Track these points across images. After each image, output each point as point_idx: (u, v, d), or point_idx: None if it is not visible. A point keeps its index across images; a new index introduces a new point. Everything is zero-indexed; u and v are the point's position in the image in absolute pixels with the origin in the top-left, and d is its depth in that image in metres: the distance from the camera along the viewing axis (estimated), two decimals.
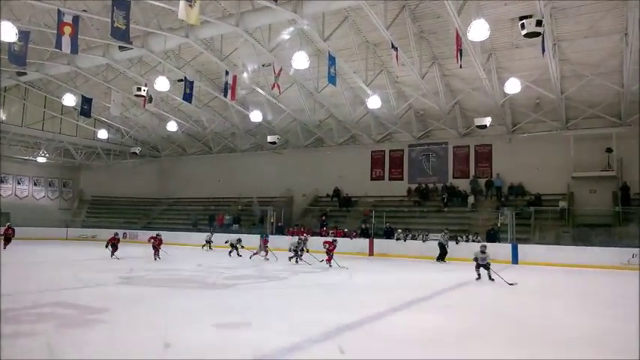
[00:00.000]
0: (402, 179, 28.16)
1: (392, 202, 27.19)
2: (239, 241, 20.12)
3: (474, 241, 21.00)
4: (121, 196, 36.18)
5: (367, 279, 13.53)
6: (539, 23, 13.98)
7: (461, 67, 16.61)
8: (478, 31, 14.17)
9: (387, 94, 22.68)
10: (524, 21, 14.22)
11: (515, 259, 19.44)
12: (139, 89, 22.67)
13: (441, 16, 16.74)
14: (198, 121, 30.09)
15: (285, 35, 18.16)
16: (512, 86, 18.88)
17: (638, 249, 17.57)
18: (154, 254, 17.12)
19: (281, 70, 20.24)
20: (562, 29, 17.22)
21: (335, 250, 16.68)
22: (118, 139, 34.45)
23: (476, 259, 12.95)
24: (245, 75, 21.24)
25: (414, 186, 27.44)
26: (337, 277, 13.45)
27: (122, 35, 15.01)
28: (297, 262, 16.83)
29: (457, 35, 15.57)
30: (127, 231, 29.39)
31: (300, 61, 17.38)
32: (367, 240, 23.14)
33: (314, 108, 25.88)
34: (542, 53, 16.00)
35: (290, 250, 17.28)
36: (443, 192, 26.23)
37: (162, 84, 20.40)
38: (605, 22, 16.25)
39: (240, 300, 9.34)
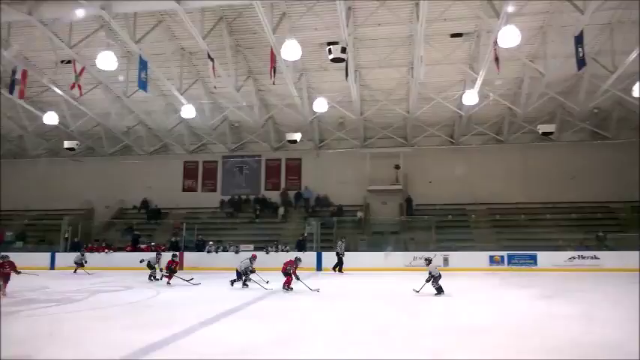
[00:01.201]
0: (215, 191, 28.00)
1: (204, 213, 26.79)
2: (251, 262, 13.88)
3: (283, 250, 21.92)
4: None
5: (176, 294, 13.00)
6: (343, 50, 15.40)
7: (274, 83, 17.31)
8: (291, 50, 14.95)
9: (202, 105, 22.38)
10: (331, 47, 15.54)
11: (319, 266, 20.82)
12: None
13: (258, 32, 17.26)
14: None
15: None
16: (320, 105, 20.37)
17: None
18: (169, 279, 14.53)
19: (83, 69, 18.43)
20: (362, 58, 19.27)
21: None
22: None
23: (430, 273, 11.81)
24: None
25: (227, 197, 27.51)
26: (142, 294, 12.63)
27: None
28: (245, 284, 13.72)
29: (272, 53, 16.24)
30: None
31: (107, 61, 16.02)
32: (177, 254, 22.25)
33: (122, 113, 24.13)
34: (346, 78, 17.65)
35: (242, 273, 13.80)
36: (255, 203, 26.81)
37: None
38: (396, 55, 18.70)
39: (22, 328, 8.07)
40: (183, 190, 28.20)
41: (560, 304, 10.92)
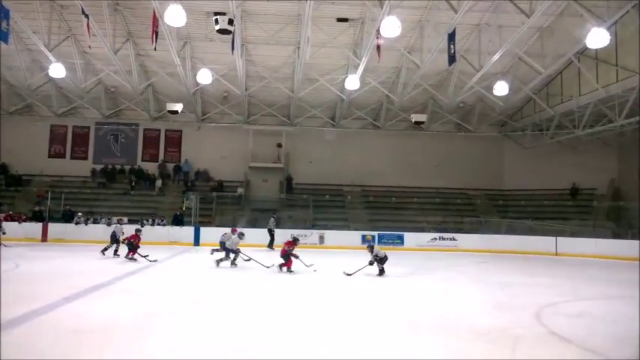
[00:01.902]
0: (87, 159, 26.22)
1: (73, 182, 25.00)
2: (241, 239, 13.24)
3: (159, 224, 21.22)
4: None
5: (39, 267, 12.07)
6: (230, 22, 15.09)
7: (155, 49, 16.45)
8: (175, 16, 14.23)
9: (74, 64, 20.55)
10: (218, 17, 15.13)
11: (197, 241, 20.54)
12: None
13: None
14: None
15: None
16: (204, 77, 19.80)
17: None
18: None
19: None
20: (250, 32, 18.98)
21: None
22: None
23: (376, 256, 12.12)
24: None
25: (99, 167, 25.86)
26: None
27: None
28: (234, 264, 13.11)
29: (154, 16, 15.35)
30: None
31: None
32: (40, 224, 20.56)
33: None
34: (232, 51, 17.34)
35: (231, 250, 13.10)
36: (131, 174, 25.52)
37: None
38: (283, 33, 18.70)
39: None
40: (50, 156, 25.99)
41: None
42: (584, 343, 5.94)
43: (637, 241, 19.49)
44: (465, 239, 21.91)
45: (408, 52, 19.59)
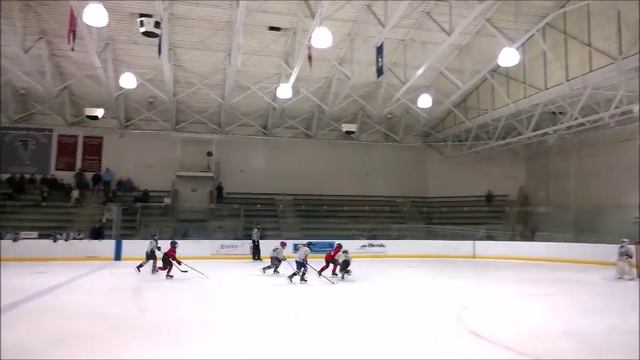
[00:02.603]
0: None
1: None
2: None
3: (75, 238, 19.72)
4: None
5: None
6: (157, 25, 14.45)
7: (72, 49, 15.34)
8: (95, 15, 13.31)
9: None
10: (143, 19, 14.43)
11: (118, 256, 19.33)
12: None
13: None
14: None
15: None
16: (128, 81, 18.77)
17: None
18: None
19: None
20: (178, 36, 18.30)
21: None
22: None
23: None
24: None
25: (6, 176, 23.67)
26: None
27: None
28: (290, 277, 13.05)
29: (72, 14, 14.30)
30: None
31: None
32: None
33: None
34: (159, 55, 16.60)
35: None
36: (42, 184, 23.61)
37: None
38: (214, 39, 18.24)
39: None
40: None
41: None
42: (498, 340, 6.32)
43: (543, 243, 21.18)
44: (392, 245, 22.55)
45: (339, 64, 19.84)
